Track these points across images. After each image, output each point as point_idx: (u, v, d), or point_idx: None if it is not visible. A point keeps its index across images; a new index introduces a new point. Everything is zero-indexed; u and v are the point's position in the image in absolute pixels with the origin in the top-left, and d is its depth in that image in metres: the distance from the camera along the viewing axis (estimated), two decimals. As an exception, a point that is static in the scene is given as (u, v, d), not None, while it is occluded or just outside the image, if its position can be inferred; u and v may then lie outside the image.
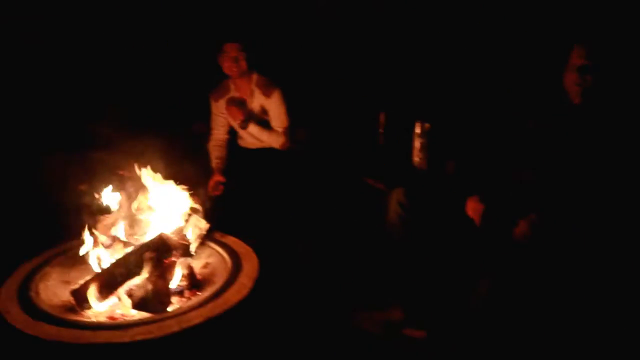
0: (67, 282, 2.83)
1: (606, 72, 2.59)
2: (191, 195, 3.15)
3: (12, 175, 4.03)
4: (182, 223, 2.98)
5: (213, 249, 3.09)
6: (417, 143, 3.64)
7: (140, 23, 4.51)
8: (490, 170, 3.05)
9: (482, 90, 3.57)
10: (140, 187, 3.01)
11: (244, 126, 3.97)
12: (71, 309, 2.57)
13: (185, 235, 2.81)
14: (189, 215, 3.08)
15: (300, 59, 4.61)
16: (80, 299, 2.52)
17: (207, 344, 2.36)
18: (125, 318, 2.51)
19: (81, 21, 4.35)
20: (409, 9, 4.17)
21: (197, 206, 3.16)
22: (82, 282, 2.72)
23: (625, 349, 2.50)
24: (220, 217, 3.30)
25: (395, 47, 4.24)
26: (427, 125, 3.60)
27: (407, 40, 4.16)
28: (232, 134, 4.27)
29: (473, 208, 2.95)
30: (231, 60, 3.86)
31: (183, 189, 3.06)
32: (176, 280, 2.71)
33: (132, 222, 2.99)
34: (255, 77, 4.02)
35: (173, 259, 2.67)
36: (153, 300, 2.45)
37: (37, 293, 2.63)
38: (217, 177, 3.96)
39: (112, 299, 2.63)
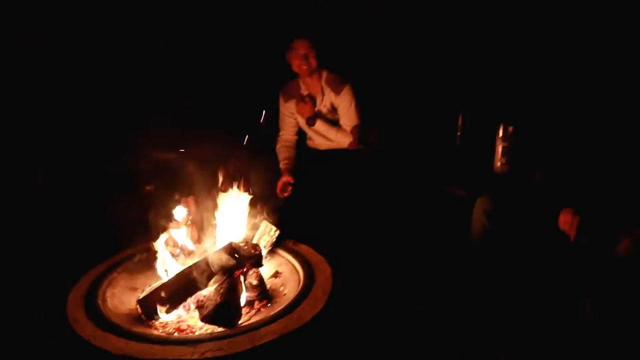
0: (134, 289, 2.75)
1: None
2: (261, 200, 3.01)
3: (76, 178, 3.99)
4: (251, 230, 2.84)
5: (284, 257, 2.95)
6: (499, 147, 3.37)
7: (209, 19, 4.38)
8: (585, 179, 2.77)
9: (576, 89, 3.27)
10: (210, 194, 2.87)
11: (311, 123, 3.82)
12: (138, 319, 2.47)
13: (256, 245, 2.67)
14: (259, 220, 2.94)
15: (374, 57, 4.39)
16: (147, 309, 2.42)
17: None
18: (194, 332, 2.38)
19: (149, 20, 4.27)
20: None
21: (266, 211, 3.02)
22: (149, 290, 2.63)
23: None
24: (290, 222, 3.14)
25: (476, 42, 3.98)
26: (510, 128, 3.33)
27: (488, 35, 3.89)
28: (301, 135, 4.11)
29: (567, 221, 2.69)
30: (301, 58, 3.71)
31: (252, 193, 2.91)
32: (246, 291, 2.57)
33: (201, 230, 2.86)
34: (325, 74, 3.86)
35: (244, 269, 2.52)
36: (223, 313, 2.31)
37: (104, 300, 2.54)
38: (286, 178, 3.81)
39: (179, 309, 2.51)
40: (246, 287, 2.58)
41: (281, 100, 4.03)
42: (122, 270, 2.82)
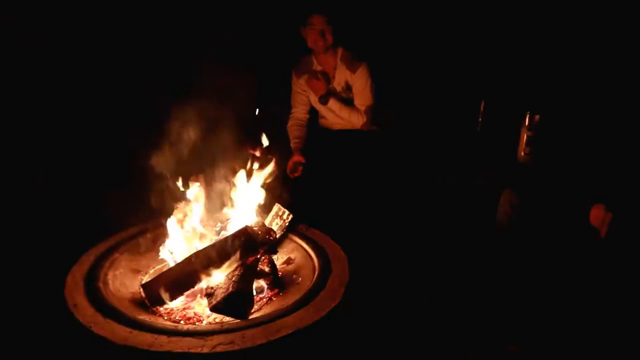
0: (137, 271, 2.59)
1: None
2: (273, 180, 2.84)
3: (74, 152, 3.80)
4: (262, 213, 2.67)
5: (296, 242, 2.78)
6: (524, 136, 3.20)
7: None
8: (617, 175, 2.62)
9: (608, 78, 3.10)
10: (220, 174, 2.69)
11: (324, 101, 3.64)
12: (142, 304, 2.30)
13: (271, 229, 2.50)
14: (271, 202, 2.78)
15: (394, 34, 4.19)
16: (151, 294, 2.25)
17: (294, 358, 2.05)
18: (202, 322, 2.22)
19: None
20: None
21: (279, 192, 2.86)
22: (153, 272, 2.47)
23: None
24: (300, 204, 2.98)
25: (502, 24, 3.78)
26: (537, 116, 3.16)
27: (515, 16, 3.69)
28: (313, 113, 3.92)
29: (598, 217, 2.56)
30: (317, 33, 3.52)
31: (266, 175, 2.74)
32: (258, 279, 2.40)
33: (212, 211, 2.68)
34: (340, 51, 3.68)
35: (257, 256, 2.35)
36: (235, 303, 2.15)
37: (106, 283, 2.37)
38: (297, 158, 3.64)
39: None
40: (257, 275, 2.40)
41: (293, 76, 3.85)
42: (124, 250, 2.65)
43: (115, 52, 3.91)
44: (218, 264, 2.26)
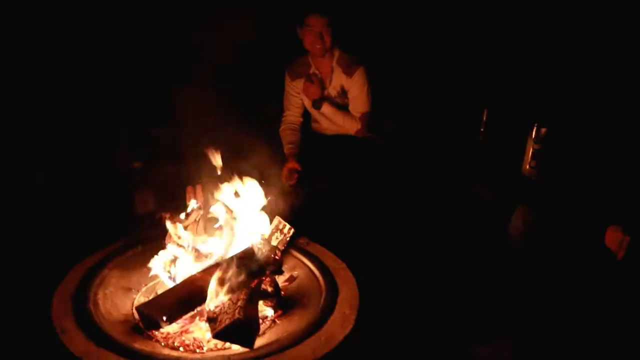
0: (128, 289, 2.40)
1: None
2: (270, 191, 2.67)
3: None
4: (266, 229, 2.49)
5: (298, 259, 2.63)
6: (530, 149, 3.09)
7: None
8: (633, 195, 2.52)
9: (622, 90, 3.00)
10: (218, 186, 2.51)
11: (317, 106, 3.48)
12: (136, 327, 2.12)
13: (275, 248, 2.32)
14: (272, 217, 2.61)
15: (394, 39, 4.03)
16: (147, 318, 2.07)
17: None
18: (203, 349, 2.05)
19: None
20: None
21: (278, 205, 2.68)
22: (145, 291, 2.29)
23: None
24: (298, 214, 2.82)
25: (506, 27, 3.65)
26: (543, 129, 3.05)
27: (522, 19, 3.56)
28: (307, 116, 3.75)
29: (615, 239, 2.45)
30: (315, 35, 3.34)
31: (264, 186, 2.56)
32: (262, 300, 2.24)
33: (210, 227, 2.49)
34: (337, 53, 3.51)
35: (263, 277, 2.18)
36: (240, 330, 1.97)
37: (96, 304, 2.19)
38: (292, 165, 3.46)
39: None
40: (261, 295, 2.23)
41: (287, 77, 3.67)
42: (113, 266, 2.45)
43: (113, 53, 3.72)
44: (221, 286, 2.08)
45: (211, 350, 2.06)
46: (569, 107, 3.10)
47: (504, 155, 3.27)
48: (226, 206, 2.37)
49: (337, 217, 3.21)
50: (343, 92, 3.53)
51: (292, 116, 3.71)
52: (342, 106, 3.54)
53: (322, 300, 2.25)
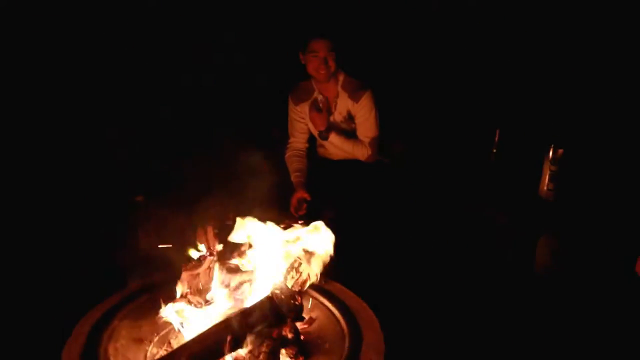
0: (140, 341, 2.27)
1: None
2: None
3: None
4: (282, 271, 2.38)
5: (316, 299, 2.51)
6: (546, 171, 3.00)
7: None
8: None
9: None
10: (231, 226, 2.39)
11: (324, 136, 3.38)
12: (150, 385, 1.99)
13: (295, 293, 2.21)
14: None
15: (401, 60, 3.94)
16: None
17: None
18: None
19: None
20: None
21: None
22: (158, 341, 2.18)
23: None
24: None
25: (520, 45, 3.55)
26: (560, 150, 2.96)
27: (536, 38, 3.47)
28: (312, 141, 3.65)
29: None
30: (320, 61, 3.24)
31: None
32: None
33: (226, 272, 2.37)
34: (342, 77, 3.42)
35: (284, 326, 2.07)
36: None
37: (108, 361, 2.04)
38: (300, 194, 3.36)
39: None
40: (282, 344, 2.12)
41: (291, 103, 3.57)
42: (123, 316, 2.32)
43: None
44: (241, 338, 1.97)
45: (233, 407, 1.93)
46: (586, 127, 3.02)
47: (519, 178, 3.18)
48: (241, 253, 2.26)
49: (350, 248, 3.09)
50: (350, 117, 3.44)
51: (297, 142, 3.61)
52: (348, 132, 3.45)
53: (346, 346, 2.14)
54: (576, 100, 3.13)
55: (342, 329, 2.27)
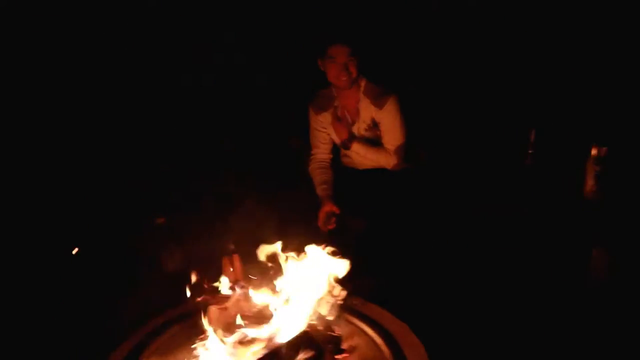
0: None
1: None
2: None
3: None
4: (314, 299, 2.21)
5: (354, 325, 2.33)
6: (590, 171, 2.80)
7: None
8: None
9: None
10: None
11: (346, 146, 3.24)
12: None
13: (331, 325, 2.04)
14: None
15: (425, 60, 3.76)
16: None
17: None
18: None
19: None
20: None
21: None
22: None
23: None
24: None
25: (556, 40, 3.35)
26: (604, 149, 2.76)
27: (572, 31, 3.27)
28: (336, 151, 3.49)
29: None
30: (339, 67, 3.07)
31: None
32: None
33: (256, 305, 2.21)
34: (364, 83, 3.25)
35: (324, 360, 1.90)
36: None
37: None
38: (328, 207, 3.20)
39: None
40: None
41: (311, 113, 3.42)
42: (151, 353, 2.17)
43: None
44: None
45: None
46: (632, 121, 2.81)
47: (559, 179, 2.98)
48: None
49: (383, 263, 2.92)
50: (374, 125, 3.28)
51: (321, 153, 3.46)
52: (373, 140, 3.28)
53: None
54: (619, 93, 2.92)
55: (385, 357, 2.09)
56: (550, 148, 3.15)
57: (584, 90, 3.08)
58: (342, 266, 2.15)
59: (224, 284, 2.20)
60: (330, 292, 2.29)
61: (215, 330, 2.00)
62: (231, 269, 2.22)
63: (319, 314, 2.09)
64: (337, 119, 3.22)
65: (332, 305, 2.26)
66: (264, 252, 2.23)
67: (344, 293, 2.31)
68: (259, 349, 1.95)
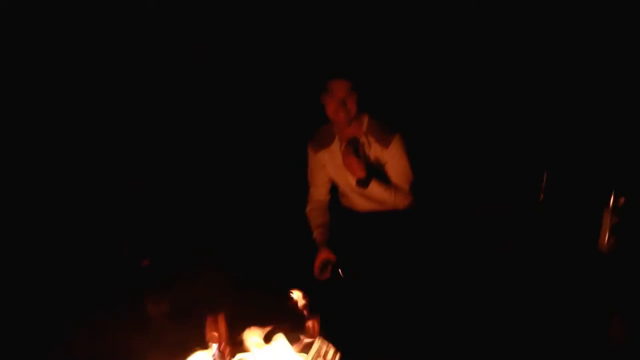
0: None
1: None
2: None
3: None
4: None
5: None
6: (607, 221, 2.60)
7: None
8: None
9: None
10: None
11: (364, 183, 2.99)
12: None
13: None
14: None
15: (434, 97, 3.58)
16: None
17: None
18: None
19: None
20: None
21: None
22: None
23: None
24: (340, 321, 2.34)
25: (576, 76, 3.15)
26: (622, 198, 2.56)
27: (597, 72, 3.07)
28: (333, 191, 3.29)
29: None
30: (338, 102, 2.88)
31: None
32: None
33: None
34: (367, 120, 3.07)
35: None
36: None
37: None
38: (324, 254, 2.99)
39: None
40: None
41: (310, 151, 3.24)
42: None
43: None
44: None
45: None
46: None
47: (573, 229, 2.77)
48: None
49: (386, 315, 2.72)
50: (379, 165, 3.08)
51: (319, 194, 3.27)
52: (381, 178, 3.08)
53: None
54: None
55: None
56: (564, 194, 2.94)
57: (603, 131, 2.88)
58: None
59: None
60: (323, 355, 2.11)
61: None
62: (215, 333, 2.00)
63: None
64: (356, 155, 2.99)
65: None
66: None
67: (338, 356, 2.13)
68: None
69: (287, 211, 3.33)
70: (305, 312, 2.34)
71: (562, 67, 3.14)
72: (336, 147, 3.11)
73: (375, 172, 3.01)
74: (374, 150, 3.05)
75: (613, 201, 2.58)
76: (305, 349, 2.19)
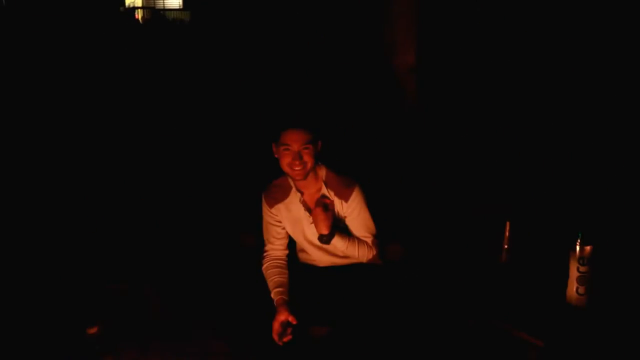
0: None
1: None
2: None
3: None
4: None
5: None
6: (574, 272, 2.54)
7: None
8: None
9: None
10: None
11: (326, 240, 2.86)
12: None
13: None
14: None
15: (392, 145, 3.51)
16: None
17: None
18: None
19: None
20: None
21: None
22: None
23: None
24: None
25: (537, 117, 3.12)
26: (587, 247, 2.51)
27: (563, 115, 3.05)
28: (291, 245, 3.16)
29: None
30: (293, 155, 2.77)
31: None
32: None
33: None
34: (324, 173, 2.97)
35: None
36: None
37: None
38: (283, 316, 2.81)
39: None
40: None
41: (265, 205, 3.11)
42: None
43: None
44: None
45: None
46: (621, 217, 2.57)
47: (537, 281, 2.70)
48: None
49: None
50: (338, 219, 2.98)
51: (276, 250, 3.13)
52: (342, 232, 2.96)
53: None
54: (607, 183, 2.69)
55: None
56: (528, 244, 2.87)
57: (568, 177, 2.84)
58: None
59: None
60: None
61: None
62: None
63: None
64: (325, 209, 2.85)
65: None
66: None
67: None
68: None
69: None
70: None
71: (529, 111, 3.13)
72: (293, 201, 2.98)
73: (336, 226, 2.89)
74: (335, 204, 2.94)
75: (579, 251, 2.51)
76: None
